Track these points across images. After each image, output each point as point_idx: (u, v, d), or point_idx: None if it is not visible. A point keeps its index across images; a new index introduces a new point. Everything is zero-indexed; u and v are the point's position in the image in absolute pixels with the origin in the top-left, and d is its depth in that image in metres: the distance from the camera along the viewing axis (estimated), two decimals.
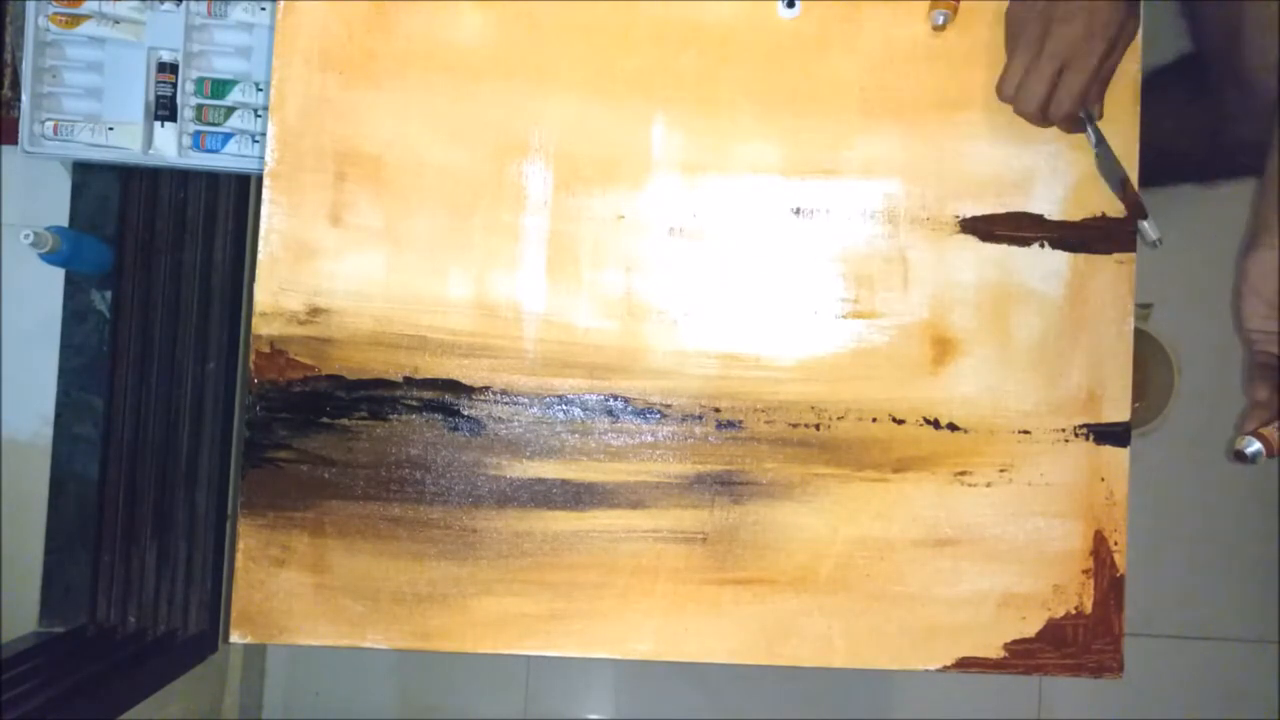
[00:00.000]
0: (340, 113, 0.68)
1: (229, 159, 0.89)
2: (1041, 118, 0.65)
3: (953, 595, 0.68)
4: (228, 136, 0.89)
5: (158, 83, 0.89)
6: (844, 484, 0.68)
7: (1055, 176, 0.69)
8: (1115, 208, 0.69)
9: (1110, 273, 0.69)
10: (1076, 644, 0.68)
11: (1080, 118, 0.66)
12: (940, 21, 0.67)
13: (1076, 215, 0.69)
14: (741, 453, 0.68)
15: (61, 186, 0.98)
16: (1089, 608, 0.68)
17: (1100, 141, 0.67)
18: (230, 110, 0.89)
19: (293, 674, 1.37)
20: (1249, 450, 0.60)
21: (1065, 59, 0.63)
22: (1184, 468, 1.38)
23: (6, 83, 1.00)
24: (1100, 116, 0.67)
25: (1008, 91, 0.65)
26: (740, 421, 0.68)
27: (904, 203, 0.69)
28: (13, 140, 0.91)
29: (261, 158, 0.68)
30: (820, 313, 0.69)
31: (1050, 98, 0.64)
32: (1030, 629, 0.68)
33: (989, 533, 0.68)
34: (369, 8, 0.68)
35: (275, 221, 0.68)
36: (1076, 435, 0.69)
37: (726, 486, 0.68)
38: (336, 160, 0.68)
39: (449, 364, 0.68)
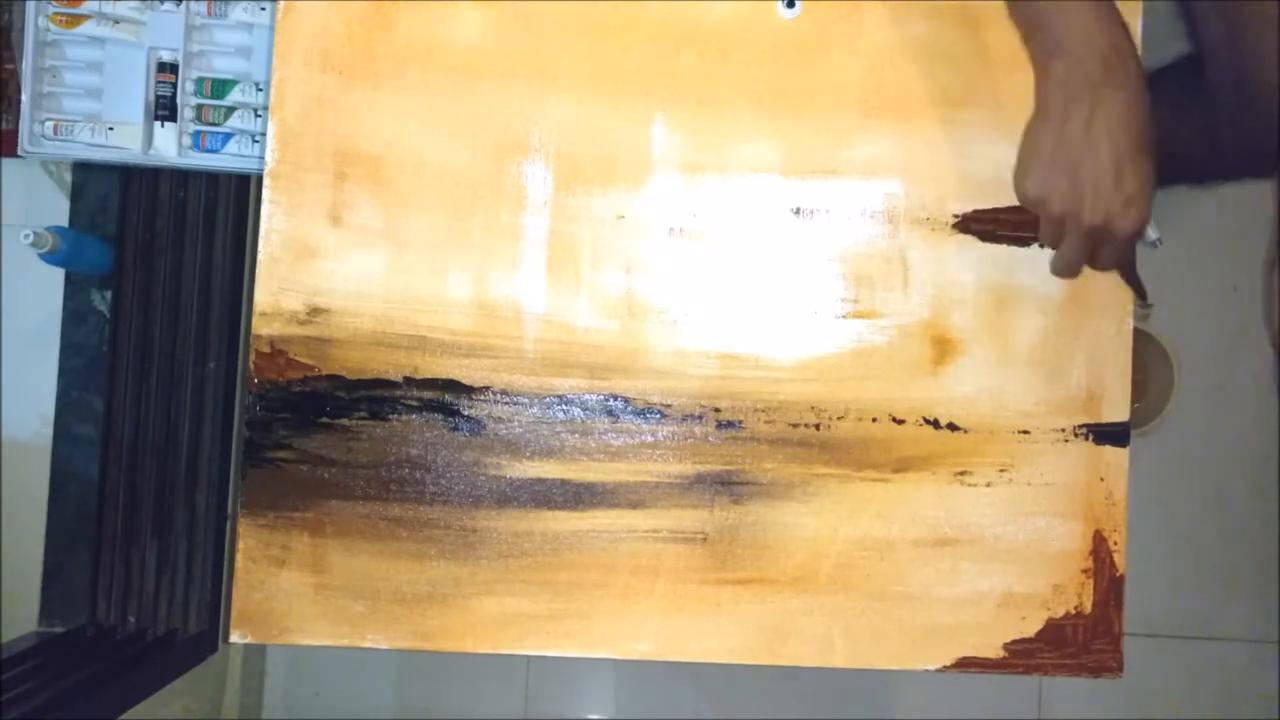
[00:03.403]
0: (340, 113, 0.68)
1: (229, 159, 0.89)
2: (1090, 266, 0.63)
3: (953, 595, 0.68)
4: (228, 136, 0.89)
5: (158, 83, 0.89)
6: (844, 484, 0.68)
7: None
8: None
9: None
10: (1076, 644, 0.68)
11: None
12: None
13: None
14: (741, 453, 0.68)
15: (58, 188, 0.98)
16: (1089, 608, 0.68)
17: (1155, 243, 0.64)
18: (230, 110, 0.89)
19: (293, 674, 1.37)
20: None
21: (1103, 238, 0.58)
22: (1184, 468, 1.38)
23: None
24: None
25: (1067, 273, 0.62)
26: (740, 421, 0.68)
27: (904, 203, 0.69)
28: (13, 141, 0.91)
29: (261, 158, 0.68)
30: (820, 313, 0.69)
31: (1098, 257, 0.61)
32: (1030, 629, 0.68)
33: (989, 533, 0.68)
34: (369, 8, 0.68)
35: (275, 221, 0.68)
36: (1076, 435, 0.69)
37: (726, 486, 0.68)
38: (336, 160, 0.68)
39: (449, 364, 0.68)
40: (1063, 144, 0.57)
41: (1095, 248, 0.60)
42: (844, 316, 0.69)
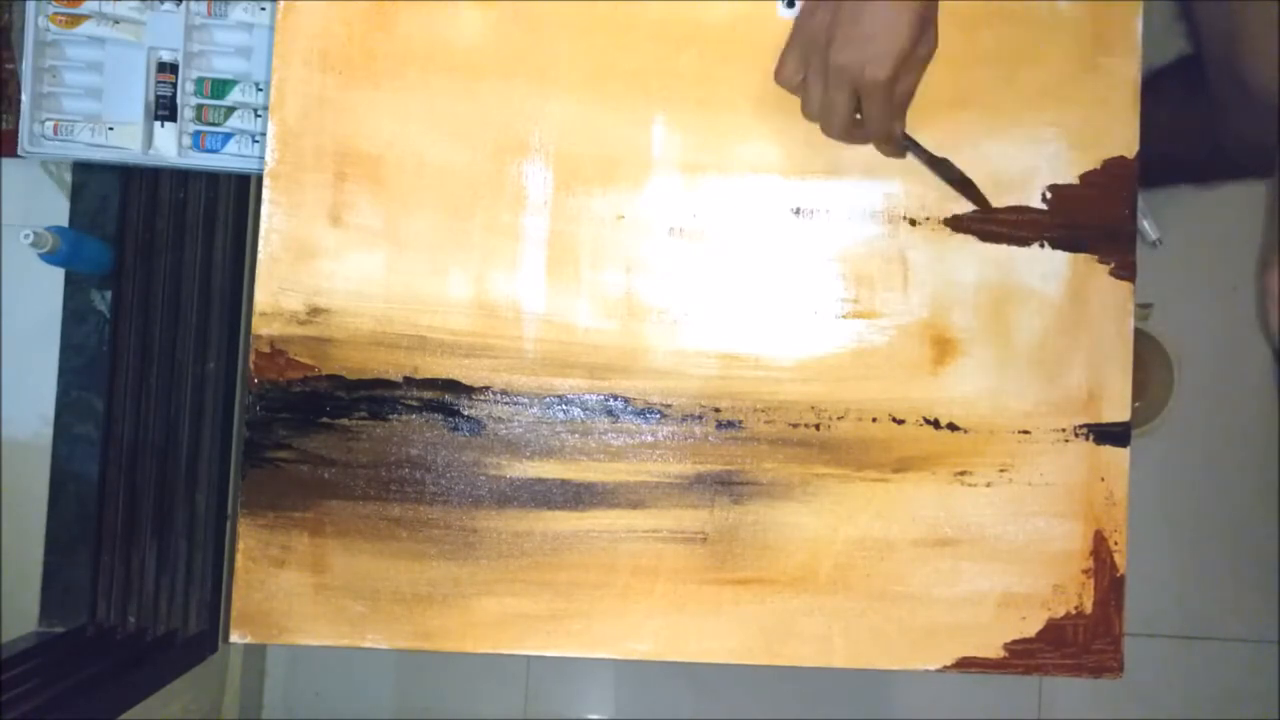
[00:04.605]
0: (340, 113, 0.68)
1: (229, 159, 0.89)
2: (852, 140, 0.64)
3: (953, 595, 0.68)
4: (228, 136, 0.89)
5: (158, 83, 0.89)
6: (844, 484, 0.68)
7: (1055, 177, 0.69)
8: (1115, 210, 0.69)
9: (1110, 272, 0.69)
10: (1076, 644, 0.68)
11: (901, 141, 0.65)
12: None
13: (1077, 216, 0.69)
14: (741, 453, 0.68)
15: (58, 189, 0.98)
16: (1089, 608, 0.68)
17: (926, 155, 0.66)
18: (230, 110, 0.89)
19: (293, 674, 1.37)
20: None
21: (854, 86, 0.60)
22: (1184, 468, 1.38)
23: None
24: (902, 129, 0.65)
25: (811, 114, 0.64)
26: (740, 421, 0.68)
27: (904, 203, 0.69)
28: (13, 141, 0.91)
29: (261, 158, 0.68)
30: (820, 313, 0.69)
31: (853, 124, 0.63)
32: (1030, 629, 0.68)
33: (989, 533, 0.68)
34: (369, 8, 0.68)
35: (275, 221, 0.68)
36: (1076, 435, 0.69)
37: (726, 486, 0.68)
38: (336, 160, 0.68)
39: (449, 364, 0.68)
40: None
41: (858, 101, 0.61)
42: (844, 316, 0.69)
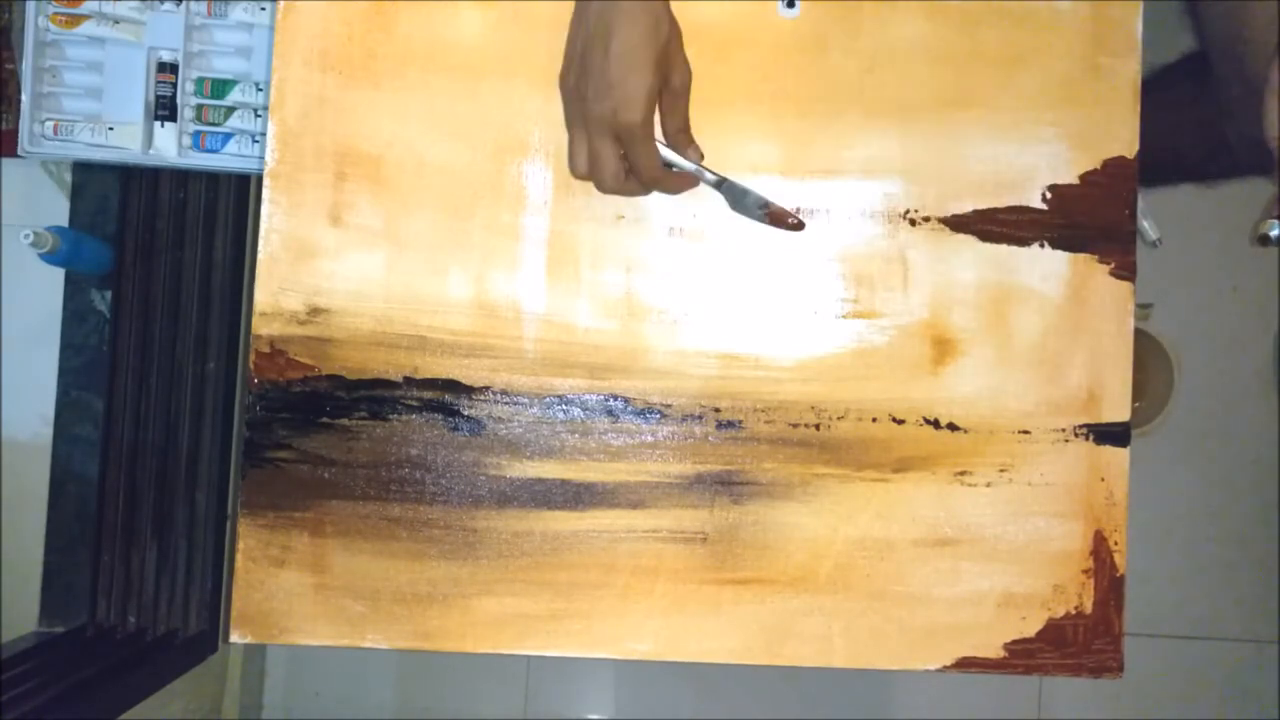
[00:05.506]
0: (340, 113, 0.68)
1: (229, 159, 0.89)
2: (625, 191, 0.63)
3: (953, 595, 0.68)
4: (228, 136, 0.89)
5: (158, 83, 0.89)
6: (844, 484, 0.68)
7: (1055, 176, 0.69)
8: (1115, 210, 0.69)
9: (1110, 272, 0.69)
10: (1076, 644, 0.68)
11: (689, 174, 0.64)
12: (1275, 234, 0.66)
13: (1077, 216, 0.69)
14: (741, 453, 0.68)
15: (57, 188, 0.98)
16: (1089, 608, 0.68)
17: (721, 181, 0.66)
18: (230, 110, 0.89)
19: (293, 674, 1.37)
20: (1273, 234, 0.63)
21: (614, 134, 0.60)
22: (1184, 468, 1.38)
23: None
24: (701, 157, 0.66)
25: (580, 172, 0.63)
26: (740, 421, 0.68)
27: (904, 203, 0.69)
28: (13, 141, 0.91)
29: (261, 158, 0.68)
30: (820, 313, 0.69)
31: (624, 175, 0.62)
32: (1030, 629, 0.68)
33: (989, 533, 0.68)
34: (369, 8, 0.68)
35: (275, 221, 0.68)
36: (1076, 435, 0.69)
37: (726, 486, 0.68)
38: (336, 160, 0.68)
39: (449, 364, 0.68)
40: (579, 33, 0.61)
41: (621, 147, 0.61)
42: (844, 316, 0.69)
